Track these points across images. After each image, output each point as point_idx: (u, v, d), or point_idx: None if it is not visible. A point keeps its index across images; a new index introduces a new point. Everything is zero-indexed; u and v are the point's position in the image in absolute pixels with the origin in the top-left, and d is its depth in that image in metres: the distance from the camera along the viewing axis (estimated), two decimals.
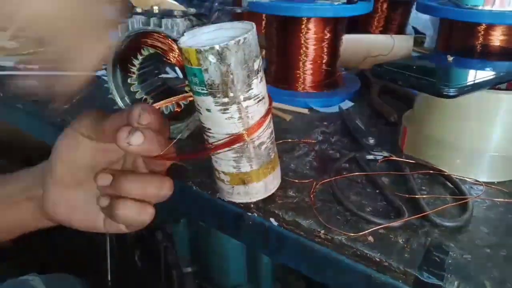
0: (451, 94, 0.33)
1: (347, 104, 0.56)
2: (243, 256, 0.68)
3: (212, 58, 0.27)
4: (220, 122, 0.30)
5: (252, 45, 0.28)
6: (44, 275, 0.62)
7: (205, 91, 0.28)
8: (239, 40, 0.27)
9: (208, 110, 0.29)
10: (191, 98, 0.32)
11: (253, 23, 0.29)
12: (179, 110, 0.43)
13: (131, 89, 0.46)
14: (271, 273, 0.67)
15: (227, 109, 0.29)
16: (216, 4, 0.88)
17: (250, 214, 0.36)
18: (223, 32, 0.30)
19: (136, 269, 0.83)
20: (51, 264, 0.86)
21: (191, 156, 0.31)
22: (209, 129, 0.31)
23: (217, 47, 0.26)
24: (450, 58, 0.42)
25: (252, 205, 0.35)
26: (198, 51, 0.26)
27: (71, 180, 0.32)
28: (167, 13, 0.41)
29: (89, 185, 0.32)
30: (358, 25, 0.73)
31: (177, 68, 0.65)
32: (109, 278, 0.81)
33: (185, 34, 0.30)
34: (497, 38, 0.50)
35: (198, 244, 0.73)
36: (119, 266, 0.82)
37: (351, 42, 0.65)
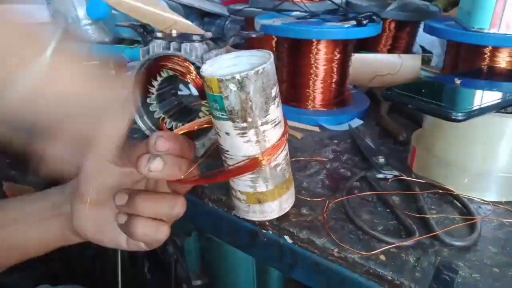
0: (459, 118, 0.35)
1: (356, 122, 0.58)
2: (253, 270, 0.69)
3: (232, 87, 0.28)
4: (238, 145, 0.31)
5: (270, 74, 0.30)
6: (56, 286, 0.64)
7: (225, 116, 0.30)
8: (258, 70, 0.28)
9: (227, 133, 0.31)
10: (210, 124, 0.34)
11: (271, 52, 0.31)
12: (195, 130, 0.45)
13: (150, 108, 0.48)
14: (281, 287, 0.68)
15: (245, 133, 0.30)
16: (228, 22, 0.91)
17: (265, 231, 0.37)
18: (242, 60, 0.32)
19: (145, 281, 0.84)
20: (62, 275, 0.88)
21: (210, 181, 0.33)
22: (227, 151, 0.32)
23: (237, 76, 0.28)
24: (458, 81, 0.44)
25: (267, 223, 0.36)
26: (220, 80, 0.28)
27: (98, 199, 0.33)
28: (186, 38, 0.43)
29: (113, 203, 0.33)
30: (367, 43, 0.75)
31: (191, 86, 0.67)
32: None
33: (206, 62, 0.31)
34: (503, 60, 0.52)
35: (208, 257, 0.74)
36: (129, 278, 0.83)
37: (360, 61, 0.67)
